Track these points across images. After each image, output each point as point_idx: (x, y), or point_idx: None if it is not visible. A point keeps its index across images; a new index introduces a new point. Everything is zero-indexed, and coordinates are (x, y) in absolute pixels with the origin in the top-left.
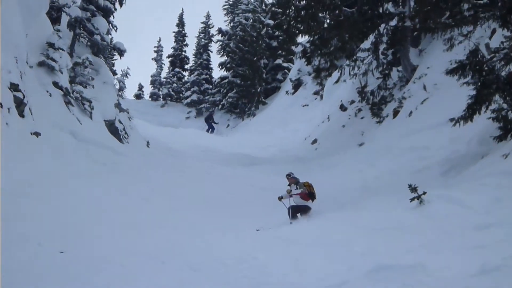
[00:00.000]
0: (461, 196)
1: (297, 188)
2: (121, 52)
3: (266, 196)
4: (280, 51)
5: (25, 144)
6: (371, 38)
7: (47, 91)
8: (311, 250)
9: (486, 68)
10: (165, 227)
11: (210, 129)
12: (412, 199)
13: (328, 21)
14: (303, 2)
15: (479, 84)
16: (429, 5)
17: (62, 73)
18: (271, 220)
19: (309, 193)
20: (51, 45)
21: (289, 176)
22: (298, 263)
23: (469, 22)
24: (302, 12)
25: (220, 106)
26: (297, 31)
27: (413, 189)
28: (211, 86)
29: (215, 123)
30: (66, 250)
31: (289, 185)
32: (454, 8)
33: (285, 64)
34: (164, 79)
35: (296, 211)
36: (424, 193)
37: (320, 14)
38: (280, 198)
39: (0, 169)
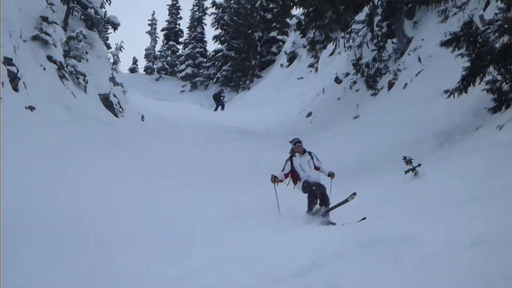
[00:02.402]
0: (455, 168)
1: (314, 159)
2: (115, 26)
3: (260, 169)
4: (274, 24)
5: (20, 118)
6: (366, 10)
7: (41, 65)
8: (304, 224)
9: (480, 40)
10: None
11: (220, 107)
12: (407, 171)
13: None
14: None
15: (473, 55)
16: None
17: (56, 47)
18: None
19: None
20: (44, 19)
21: (299, 142)
22: (291, 239)
23: None
24: None
25: (214, 80)
26: (291, 3)
27: (408, 161)
28: (205, 60)
29: (224, 99)
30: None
31: (293, 155)
32: None
33: (279, 37)
34: (159, 53)
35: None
36: (419, 165)
37: None
38: (274, 180)
39: None
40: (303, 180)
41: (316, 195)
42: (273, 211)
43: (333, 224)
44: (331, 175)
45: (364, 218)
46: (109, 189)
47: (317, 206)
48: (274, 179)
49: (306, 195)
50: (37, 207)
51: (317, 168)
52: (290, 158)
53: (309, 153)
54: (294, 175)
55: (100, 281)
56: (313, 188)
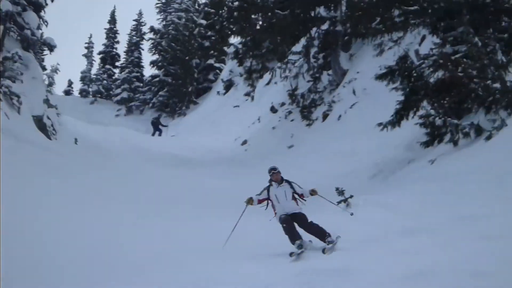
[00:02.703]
0: (387, 201)
1: (291, 188)
2: (51, 48)
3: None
4: (212, 51)
5: None
6: (303, 41)
7: None
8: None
9: (415, 74)
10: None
11: (158, 132)
12: (339, 202)
13: (260, 23)
14: (236, 3)
15: (408, 89)
16: (360, 10)
17: None
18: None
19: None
20: None
21: (275, 170)
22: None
23: (400, 28)
24: (235, 13)
25: (150, 105)
26: (229, 32)
27: (340, 192)
28: (142, 84)
29: (165, 126)
30: None
31: (270, 184)
32: (385, 14)
33: (217, 65)
34: (94, 76)
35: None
36: (351, 196)
37: (253, 16)
38: (249, 202)
39: None
40: (279, 215)
41: (290, 230)
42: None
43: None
44: (312, 193)
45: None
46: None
47: (305, 241)
48: (249, 201)
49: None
50: None
51: (301, 196)
52: (268, 187)
53: (288, 182)
54: (273, 205)
55: None
56: (284, 225)
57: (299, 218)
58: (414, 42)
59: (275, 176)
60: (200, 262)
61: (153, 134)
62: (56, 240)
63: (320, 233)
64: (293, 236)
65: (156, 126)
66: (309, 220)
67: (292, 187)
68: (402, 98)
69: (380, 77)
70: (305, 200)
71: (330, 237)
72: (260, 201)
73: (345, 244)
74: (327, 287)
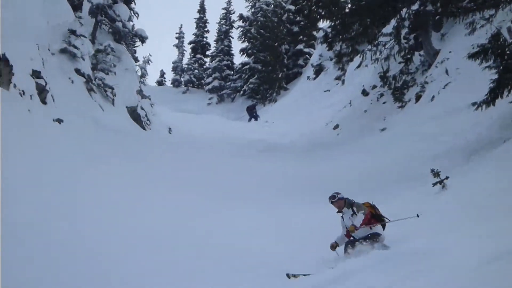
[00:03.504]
0: (482, 181)
1: (354, 214)
2: (143, 39)
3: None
4: (301, 37)
5: (48, 130)
6: (393, 22)
7: (69, 78)
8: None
9: (508, 52)
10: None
11: (253, 118)
12: (434, 184)
13: (349, 5)
14: None
15: (501, 68)
16: None
17: (84, 60)
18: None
19: (373, 215)
20: (73, 32)
21: (333, 198)
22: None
23: (491, 5)
24: None
25: (241, 92)
26: (318, 16)
27: (436, 173)
28: (232, 72)
29: (258, 116)
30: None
31: (339, 211)
32: None
33: (306, 50)
34: (186, 66)
35: (353, 243)
36: (447, 177)
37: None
38: (335, 246)
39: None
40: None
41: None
42: None
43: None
44: (351, 228)
45: (418, 216)
46: (117, 202)
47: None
48: (335, 247)
49: None
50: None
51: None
52: (342, 217)
53: (351, 205)
54: (347, 233)
55: None
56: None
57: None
58: (506, 19)
59: (337, 204)
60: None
61: (249, 120)
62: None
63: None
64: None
65: (251, 112)
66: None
67: (355, 211)
68: (495, 76)
69: (472, 56)
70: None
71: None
72: (347, 236)
73: (440, 225)
74: (418, 266)
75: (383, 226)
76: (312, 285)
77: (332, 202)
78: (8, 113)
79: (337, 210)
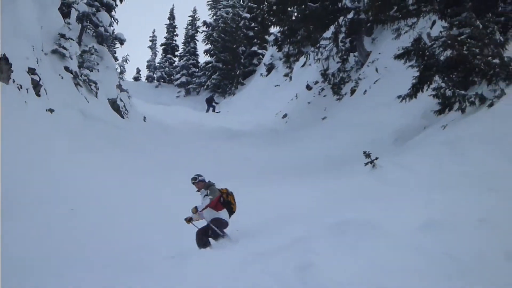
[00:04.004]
0: (407, 162)
1: (206, 196)
2: (121, 41)
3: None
4: (255, 40)
5: (41, 119)
6: (332, 28)
7: (59, 75)
8: (283, 211)
9: (427, 54)
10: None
11: (212, 108)
12: (366, 164)
13: (296, 14)
14: None
15: (422, 67)
16: (380, 0)
17: (72, 59)
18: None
19: (224, 202)
20: (62, 35)
21: (195, 180)
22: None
23: (413, 15)
24: (274, 7)
25: (205, 87)
26: (269, 23)
27: (367, 155)
28: (197, 70)
29: (216, 103)
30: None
31: (198, 191)
32: (401, 3)
33: (259, 51)
34: (158, 64)
35: (204, 234)
36: (376, 158)
37: (289, 9)
38: (189, 220)
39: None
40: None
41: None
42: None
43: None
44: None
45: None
46: (111, 184)
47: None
48: (190, 220)
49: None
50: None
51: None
52: (198, 191)
53: (208, 186)
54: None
55: None
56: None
57: (210, 228)
58: (426, 26)
59: (197, 185)
60: None
61: (207, 111)
62: (132, 200)
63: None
64: (200, 245)
65: (210, 104)
66: (214, 235)
67: (208, 193)
68: (417, 74)
69: (398, 56)
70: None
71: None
72: (198, 213)
73: (371, 199)
74: (355, 236)
75: (230, 214)
76: (262, 251)
77: (193, 183)
78: (8, 104)
79: (196, 189)
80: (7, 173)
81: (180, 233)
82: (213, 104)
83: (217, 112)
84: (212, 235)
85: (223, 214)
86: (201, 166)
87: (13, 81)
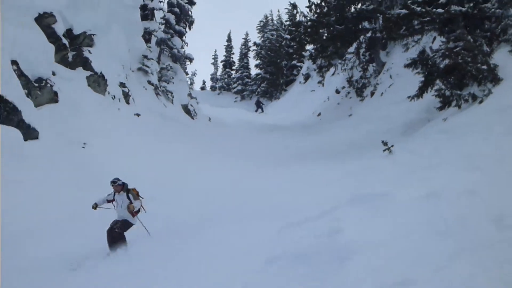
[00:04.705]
0: (413, 147)
1: (129, 199)
2: (191, 60)
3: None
4: (294, 55)
5: (130, 121)
6: (354, 45)
7: (144, 87)
8: (302, 187)
9: (430, 63)
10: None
11: (260, 110)
12: (384, 150)
13: (326, 34)
14: (309, 23)
15: (426, 73)
16: (392, 22)
17: (153, 74)
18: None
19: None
20: (145, 56)
21: (114, 183)
22: (299, 195)
23: (418, 32)
24: (309, 29)
25: (256, 93)
26: (305, 42)
27: (385, 143)
28: (250, 80)
29: (263, 104)
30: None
31: (117, 192)
32: (408, 24)
33: (298, 64)
34: (219, 76)
35: (125, 229)
36: (392, 146)
37: (321, 30)
38: (95, 207)
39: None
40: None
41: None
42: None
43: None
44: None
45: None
46: (185, 163)
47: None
48: (95, 206)
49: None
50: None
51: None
52: (114, 193)
53: (127, 192)
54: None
55: None
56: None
57: (117, 224)
58: (428, 41)
59: (115, 188)
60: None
61: (256, 111)
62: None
63: (114, 240)
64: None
65: (258, 106)
66: (117, 230)
67: (128, 198)
68: (422, 79)
69: (407, 65)
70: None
71: (118, 249)
72: (109, 201)
73: (387, 177)
74: (375, 205)
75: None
76: (301, 220)
77: (112, 185)
78: (106, 110)
79: (114, 191)
80: (112, 159)
81: (236, 202)
82: (261, 105)
83: (260, 113)
84: (122, 229)
85: (136, 219)
86: (252, 152)
87: (108, 93)
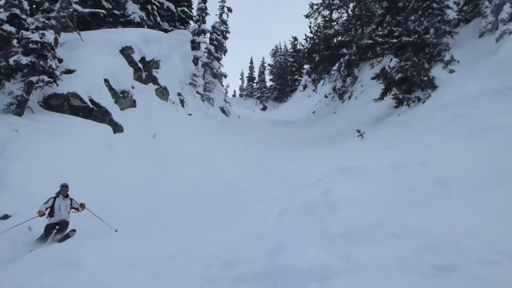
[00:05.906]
0: (379, 134)
1: (71, 204)
2: (225, 76)
3: (290, 139)
4: (296, 72)
5: (185, 119)
6: (337, 64)
7: (193, 95)
8: (303, 163)
9: (388, 76)
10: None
11: (264, 109)
12: (358, 136)
13: (317, 58)
14: (305, 50)
15: (386, 83)
16: (362, 49)
17: (200, 87)
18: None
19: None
20: (194, 74)
21: (65, 187)
22: (292, 169)
23: (380, 55)
24: (306, 54)
25: (271, 98)
26: (303, 63)
27: (359, 131)
28: (266, 89)
29: (265, 106)
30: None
31: (57, 196)
32: (373, 50)
33: (299, 78)
34: (245, 87)
35: (52, 228)
36: (364, 133)
37: (314, 55)
38: (42, 214)
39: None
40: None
41: (49, 231)
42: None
43: (68, 237)
44: (81, 205)
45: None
46: (224, 149)
47: (48, 239)
48: (41, 214)
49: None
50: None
51: (76, 209)
52: (54, 198)
53: (71, 199)
54: (51, 211)
55: None
56: (48, 225)
57: (60, 224)
58: (387, 61)
59: (63, 192)
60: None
61: (262, 109)
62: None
63: (60, 230)
64: (46, 233)
65: (264, 107)
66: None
67: (71, 203)
68: (383, 87)
69: (373, 78)
70: (79, 211)
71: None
72: (47, 209)
73: (360, 155)
74: (356, 173)
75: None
76: (302, 185)
77: (64, 189)
78: (169, 111)
79: (60, 194)
80: (173, 145)
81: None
82: (265, 106)
83: (262, 110)
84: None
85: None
86: (268, 140)
87: (170, 100)
